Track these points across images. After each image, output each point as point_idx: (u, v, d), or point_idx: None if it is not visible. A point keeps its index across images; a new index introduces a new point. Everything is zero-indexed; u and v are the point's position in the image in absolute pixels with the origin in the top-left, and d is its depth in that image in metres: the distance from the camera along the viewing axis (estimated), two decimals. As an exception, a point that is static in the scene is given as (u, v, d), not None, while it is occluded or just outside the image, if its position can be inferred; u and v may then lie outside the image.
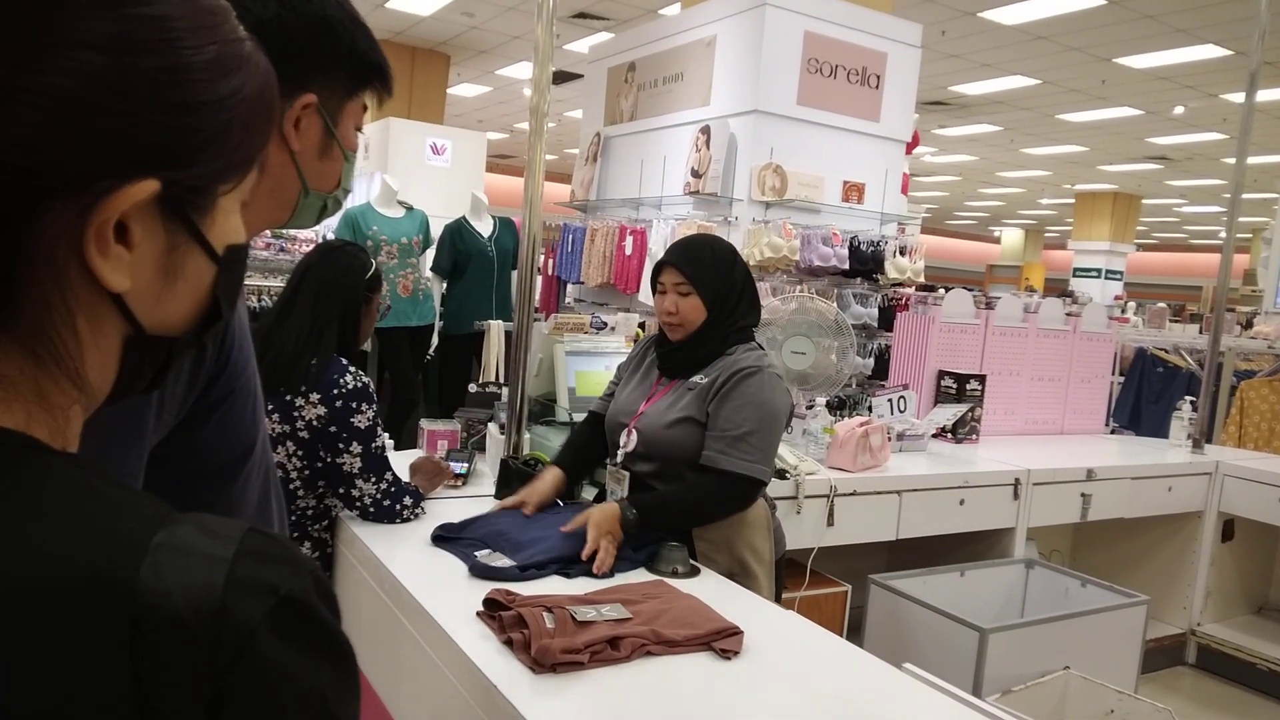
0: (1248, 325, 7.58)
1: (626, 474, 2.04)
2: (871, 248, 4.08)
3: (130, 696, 0.36)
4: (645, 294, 4.24)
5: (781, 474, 2.76)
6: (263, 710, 0.39)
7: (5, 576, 0.36)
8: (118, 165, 0.42)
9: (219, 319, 0.50)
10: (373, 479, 1.91)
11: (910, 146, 4.48)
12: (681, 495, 1.96)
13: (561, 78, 10.05)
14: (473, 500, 2.23)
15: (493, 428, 2.52)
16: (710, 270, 2.02)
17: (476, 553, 1.78)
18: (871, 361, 4.13)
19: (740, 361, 1.98)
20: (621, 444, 2.05)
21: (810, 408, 3.17)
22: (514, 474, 2.17)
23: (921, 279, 4.28)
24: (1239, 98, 7.43)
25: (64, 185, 0.41)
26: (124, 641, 0.36)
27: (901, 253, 4.15)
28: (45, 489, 0.40)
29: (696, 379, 2.00)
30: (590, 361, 2.66)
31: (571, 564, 1.76)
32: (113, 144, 0.41)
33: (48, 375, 0.43)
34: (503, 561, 1.75)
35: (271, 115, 0.50)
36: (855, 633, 2.89)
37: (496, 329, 3.26)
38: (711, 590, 1.78)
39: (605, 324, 2.79)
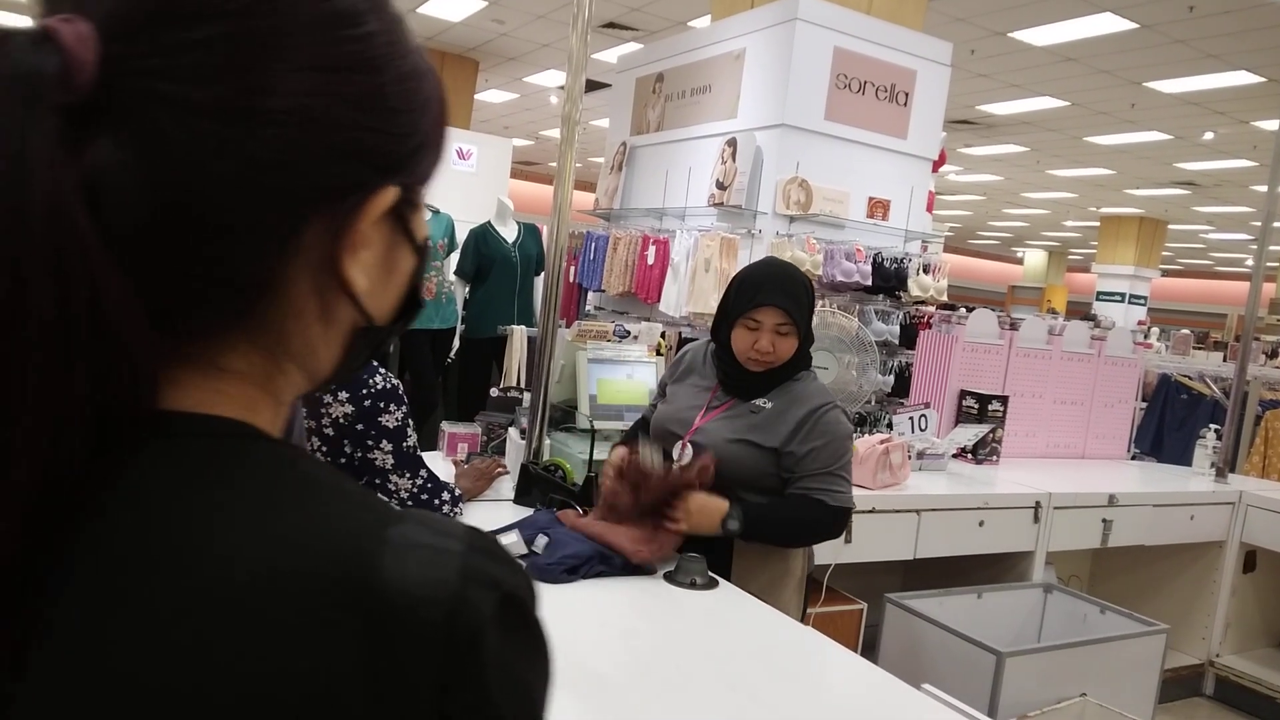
0: (1273, 354, 7.50)
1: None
2: (895, 264, 4.06)
3: (362, 680, 0.38)
4: (666, 304, 4.24)
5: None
6: (484, 699, 0.40)
7: (255, 561, 0.39)
8: (362, 177, 0.45)
9: (420, 306, 0.53)
10: (407, 475, 1.91)
11: (937, 165, 4.46)
12: (791, 517, 1.95)
13: (589, 86, 10.08)
14: (492, 504, 2.23)
15: (513, 432, 2.53)
16: (807, 309, 1.99)
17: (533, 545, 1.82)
18: (892, 379, 4.11)
19: (812, 395, 1.99)
20: (676, 457, 2.01)
21: (830, 423, 3.15)
22: (535, 479, 2.18)
23: (944, 297, 4.26)
24: (1270, 124, 7.37)
25: (322, 201, 0.43)
26: (361, 629, 0.38)
27: (925, 270, 4.13)
28: (272, 476, 0.42)
29: (760, 403, 1.99)
30: (612, 369, 2.66)
31: (608, 560, 1.81)
32: (354, 157, 0.44)
33: (280, 370, 0.47)
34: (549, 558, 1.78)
35: (446, 115, 0.52)
36: (870, 651, 2.87)
37: (519, 334, 3.27)
38: (730, 603, 1.78)
39: (629, 333, 2.79)
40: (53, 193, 0.36)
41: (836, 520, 1.96)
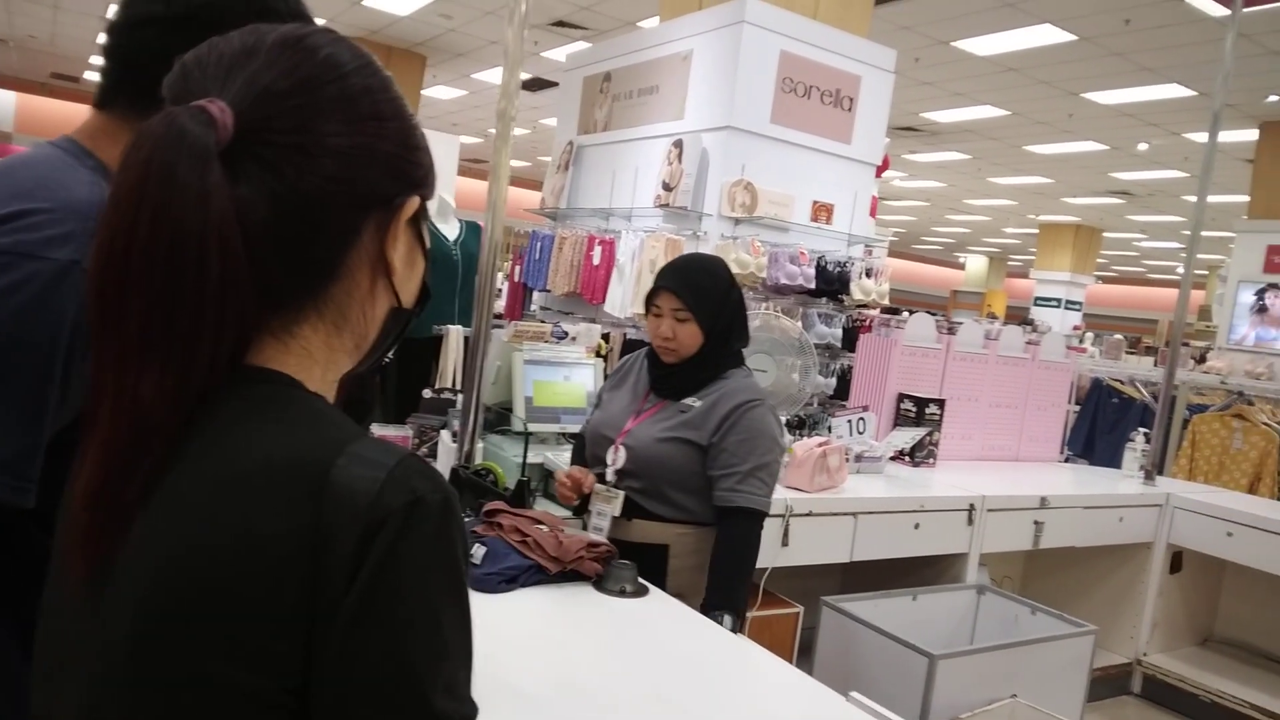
0: (1201, 360, 7.74)
1: (620, 494, 2.01)
2: (838, 268, 4.09)
3: (310, 541, 0.55)
4: (611, 304, 4.21)
5: (738, 492, 2.73)
6: (378, 575, 0.55)
7: (246, 458, 0.58)
8: (401, 189, 0.67)
9: (429, 296, 0.74)
10: None
11: (880, 170, 4.50)
12: (734, 565, 1.95)
13: (537, 85, 10.02)
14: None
15: (445, 435, 2.48)
16: (709, 297, 1.99)
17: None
18: (834, 381, 4.13)
19: (739, 391, 2.01)
20: (610, 460, 2.03)
21: (770, 426, 3.15)
22: (465, 483, 2.13)
23: (886, 301, 4.30)
24: (1201, 137, 7.60)
25: (376, 205, 0.66)
26: (314, 503, 0.56)
27: (867, 274, 4.16)
28: (288, 410, 0.62)
29: (690, 401, 2.01)
30: (549, 371, 2.62)
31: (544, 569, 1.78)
32: (396, 176, 0.66)
33: (339, 344, 0.67)
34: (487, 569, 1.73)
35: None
36: (806, 654, 2.87)
37: (456, 334, 3.21)
38: (660, 611, 1.76)
39: (566, 334, 2.76)
40: (223, 212, 0.57)
41: (753, 525, 1.98)
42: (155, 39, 0.87)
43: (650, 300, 2.03)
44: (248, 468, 0.58)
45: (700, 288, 1.98)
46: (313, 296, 0.64)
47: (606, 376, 2.26)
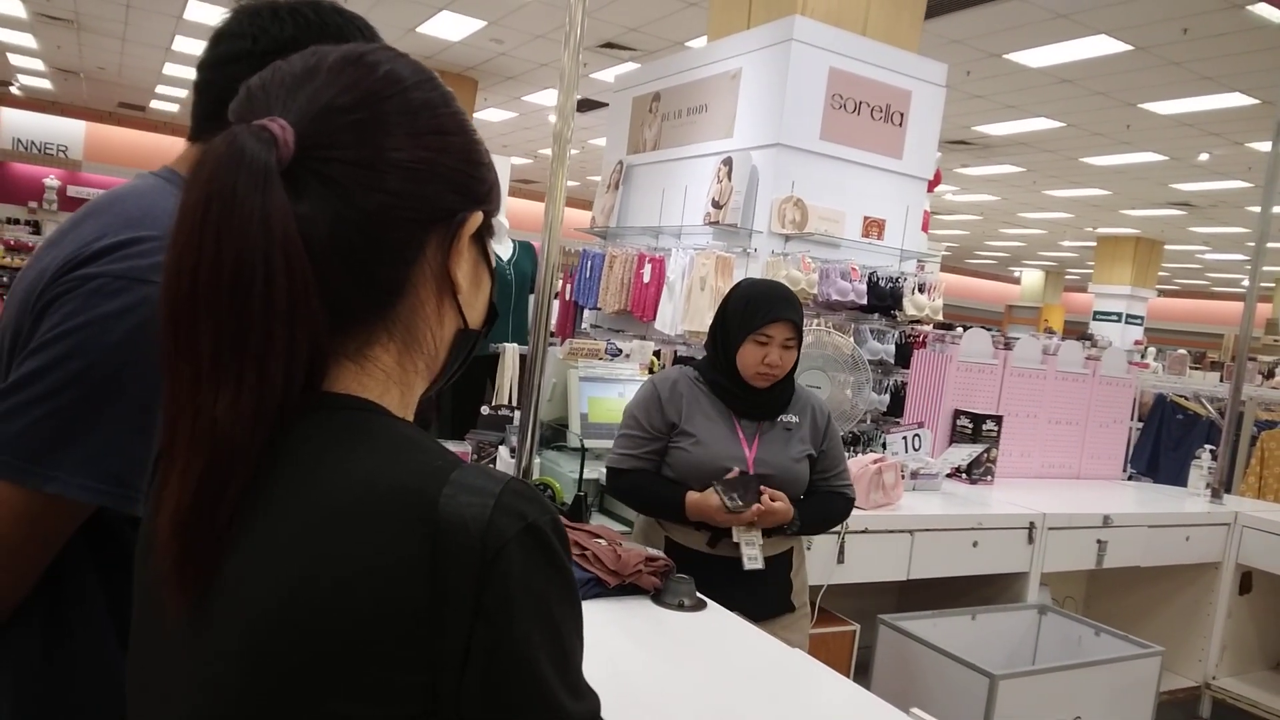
0: (1269, 375, 7.50)
1: (760, 536, 2.08)
2: (890, 284, 4.06)
3: (425, 573, 0.55)
4: (661, 322, 4.24)
5: (793, 508, 2.73)
6: (506, 600, 0.56)
7: (347, 489, 0.57)
8: (463, 204, 0.66)
9: (497, 315, 0.74)
10: None
11: (932, 184, 4.47)
12: (820, 519, 2.23)
13: (587, 106, 10.14)
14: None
15: (503, 451, 2.52)
16: (803, 320, 2.14)
17: None
18: (887, 398, 4.10)
19: (813, 400, 2.22)
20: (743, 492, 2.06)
21: (824, 442, 3.14)
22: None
23: (940, 317, 4.26)
24: (1265, 146, 7.40)
25: (439, 220, 0.65)
26: (428, 537, 0.56)
27: (920, 290, 4.13)
28: (379, 437, 0.61)
29: (789, 419, 2.16)
30: (604, 388, 2.65)
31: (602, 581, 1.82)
32: (458, 191, 0.66)
33: (411, 365, 0.67)
34: None
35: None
36: (863, 673, 2.84)
37: (511, 352, 3.27)
38: (718, 625, 1.76)
39: (620, 351, 2.79)
40: (286, 230, 0.57)
41: (849, 509, 2.27)
42: (244, 74, 0.93)
43: (755, 329, 2.06)
44: (350, 499, 0.57)
45: (801, 313, 2.11)
46: (381, 316, 0.64)
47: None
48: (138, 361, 0.86)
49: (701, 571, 1.89)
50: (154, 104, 14.07)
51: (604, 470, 2.20)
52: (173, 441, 0.59)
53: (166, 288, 0.58)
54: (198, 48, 1.11)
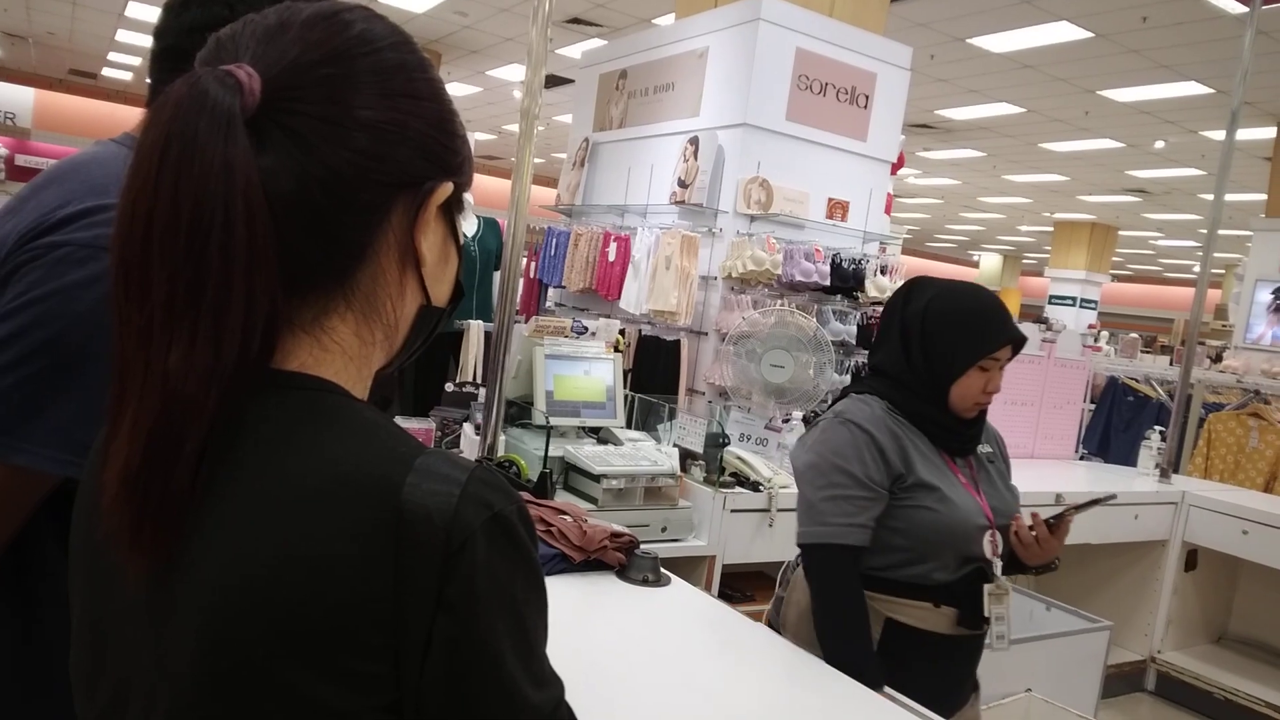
0: (1217, 359, 7.71)
1: (1008, 584, 1.76)
2: (853, 265, 4.10)
3: (389, 562, 0.54)
4: (626, 301, 4.24)
5: (755, 486, 2.76)
6: (469, 592, 0.55)
7: (314, 473, 0.56)
8: (433, 172, 0.64)
9: (463, 294, 0.72)
10: None
11: (895, 167, 4.51)
12: None
13: (553, 82, 10.04)
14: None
15: (468, 428, 2.51)
16: None
17: None
18: (849, 378, 4.14)
19: (985, 420, 1.90)
20: (989, 555, 1.73)
21: (786, 421, 3.18)
22: (488, 475, 2.16)
23: (901, 299, 4.30)
24: (1219, 135, 7.56)
25: (406, 185, 0.63)
26: (391, 526, 0.54)
27: (882, 272, 4.17)
28: (342, 421, 0.59)
29: (984, 450, 1.88)
30: (569, 365, 2.65)
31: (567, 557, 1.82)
32: (428, 158, 0.64)
33: (370, 337, 0.64)
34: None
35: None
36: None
37: (476, 329, 3.25)
38: (683, 601, 1.78)
39: (586, 329, 2.78)
40: (248, 179, 0.55)
41: None
42: None
43: (987, 353, 1.75)
44: (315, 484, 0.55)
45: None
46: (340, 281, 0.61)
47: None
48: (106, 331, 0.84)
49: (933, 659, 1.63)
50: (106, 71, 13.68)
51: (567, 449, 2.19)
52: (121, 395, 0.56)
53: (119, 232, 0.55)
54: (152, 14, 1.07)
